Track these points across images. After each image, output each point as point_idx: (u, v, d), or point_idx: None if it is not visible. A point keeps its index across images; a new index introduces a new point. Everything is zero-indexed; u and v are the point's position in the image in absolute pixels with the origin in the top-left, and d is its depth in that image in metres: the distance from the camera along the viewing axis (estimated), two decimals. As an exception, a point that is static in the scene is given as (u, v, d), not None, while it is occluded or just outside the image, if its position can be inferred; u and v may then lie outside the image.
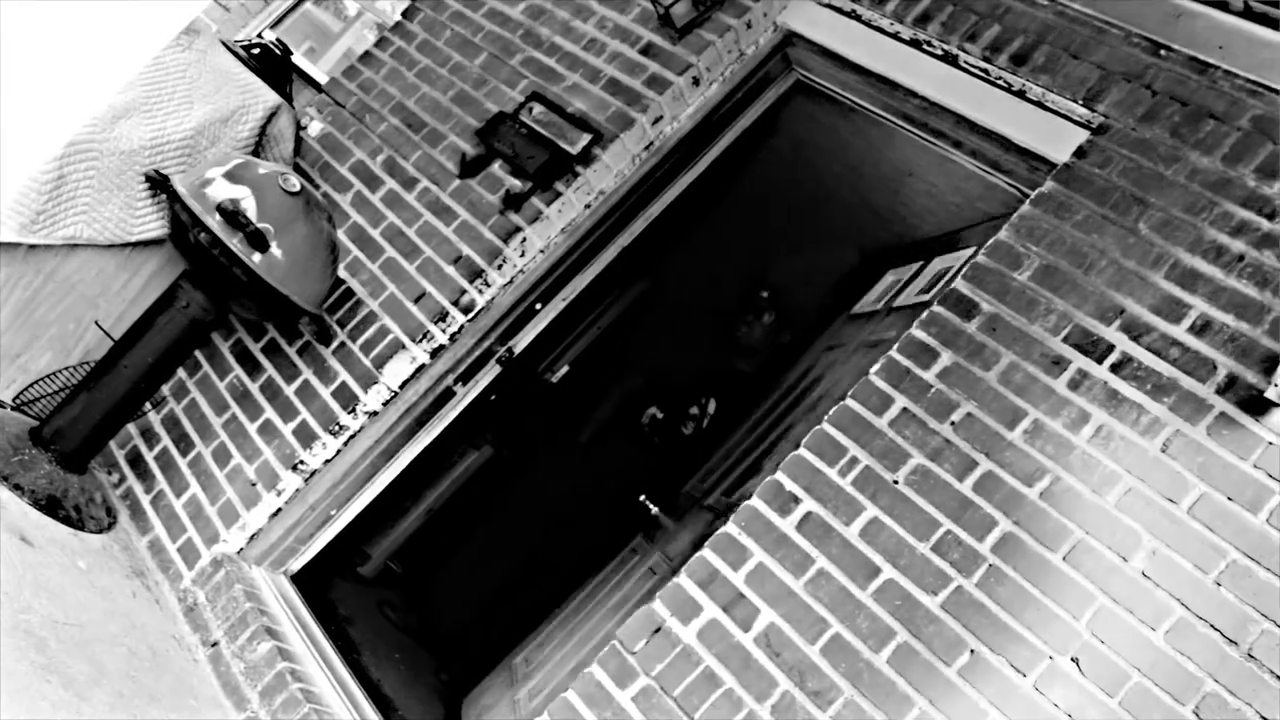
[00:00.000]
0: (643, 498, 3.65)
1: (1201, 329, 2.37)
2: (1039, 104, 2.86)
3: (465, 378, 3.37)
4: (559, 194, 3.26)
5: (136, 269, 3.27)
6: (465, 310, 3.21)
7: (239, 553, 3.14)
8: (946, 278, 3.52)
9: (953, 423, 2.45)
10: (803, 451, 2.54)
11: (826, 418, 2.57)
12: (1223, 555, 2.15)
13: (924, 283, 3.83)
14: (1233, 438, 2.24)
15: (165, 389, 3.42)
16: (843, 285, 4.90)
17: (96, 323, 3.22)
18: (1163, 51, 2.74)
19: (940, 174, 4.19)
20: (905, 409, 2.51)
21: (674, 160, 3.44)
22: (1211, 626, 2.10)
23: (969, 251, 3.62)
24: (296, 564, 3.36)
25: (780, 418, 4.01)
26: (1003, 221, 3.51)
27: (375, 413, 3.19)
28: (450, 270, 3.25)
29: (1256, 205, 2.46)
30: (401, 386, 3.21)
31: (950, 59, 3.02)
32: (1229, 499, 2.19)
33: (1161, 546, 2.19)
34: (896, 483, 2.43)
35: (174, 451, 3.31)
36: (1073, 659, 2.15)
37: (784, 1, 3.37)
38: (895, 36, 3.14)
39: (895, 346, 2.60)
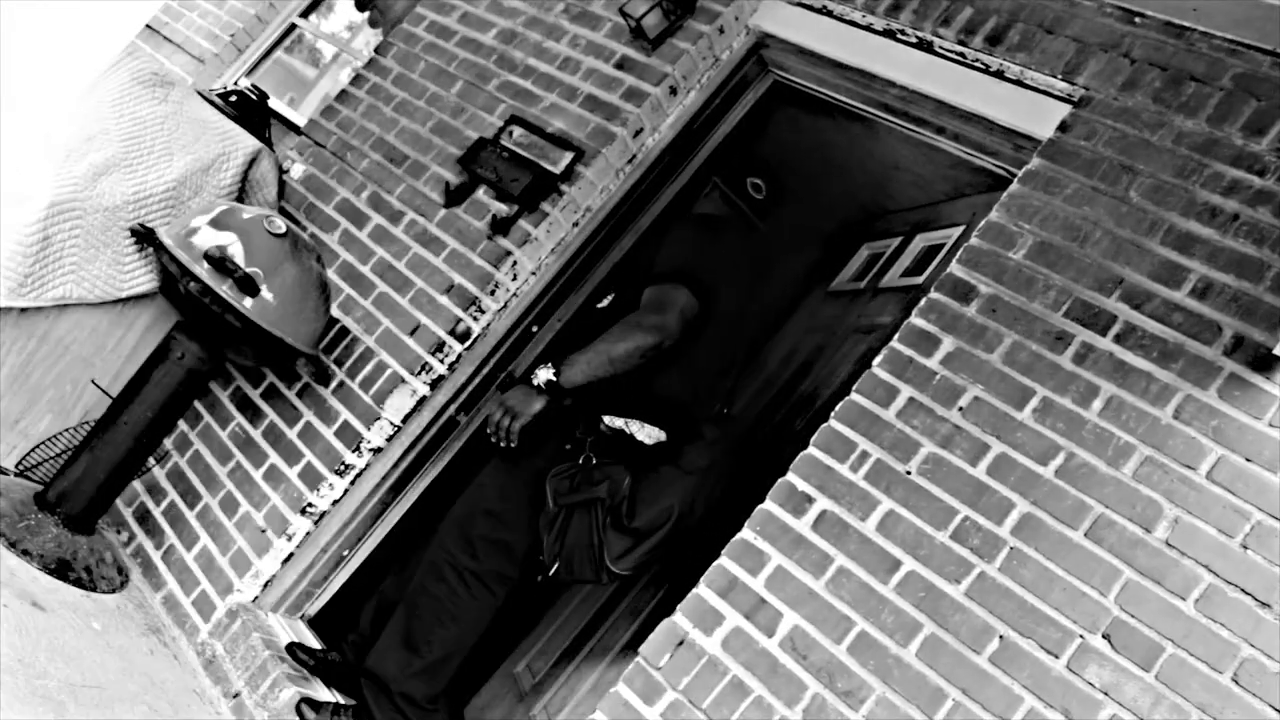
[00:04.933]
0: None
1: (1203, 291, 2.34)
2: (1018, 82, 2.85)
3: (467, 406, 3.35)
4: (546, 214, 3.24)
5: (129, 325, 3.25)
6: (461, 339, 3.20)
7: (254, 601, 3.11)
8: (938, 260, 3.47)
9: (961, 408, 2.43)
10: (812, 450, 2.51)
11: (833, 414, 2.55)
12: (1246, 518, 2.12)
13: (909, 262, 3.77)
14: (1245, 398, 2.21)
15: (168, 443, 3.40)
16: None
17: (94, 381, 3.21)
18: (1137, 19, 2.73)
19: (927, 164, 4.18)
20: (912, 398, 2.48)
21: (658, 171, 3.43)
22: (1242, 591, 2.07)
23: (954, 230, 3.57)
24: (313, 608, 3.32)
25: (777, 410, 3.90)
26: (980, 195, 3.49)
27: (380, 449, 3.17)
28: (443, 300, 3.23)
29: (1246, 163, 2.44)
30: (404, 420, 3.19)
31: (925, 45, 3.01)
32: (1247, 460, 2.16)
33: (1183, 514, 2.16)
34: (909, 473, 2.40)
35: (181, 505, 3.29)
36: (1104, 636, 2.11)
37: (755, 4, 3.37)
38: (868, 28, 3.14)
39: (896, 336, 2.58)
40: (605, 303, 3.07)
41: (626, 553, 2.80)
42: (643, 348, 2.73)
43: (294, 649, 2.88)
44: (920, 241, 3.79)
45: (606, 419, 2.90)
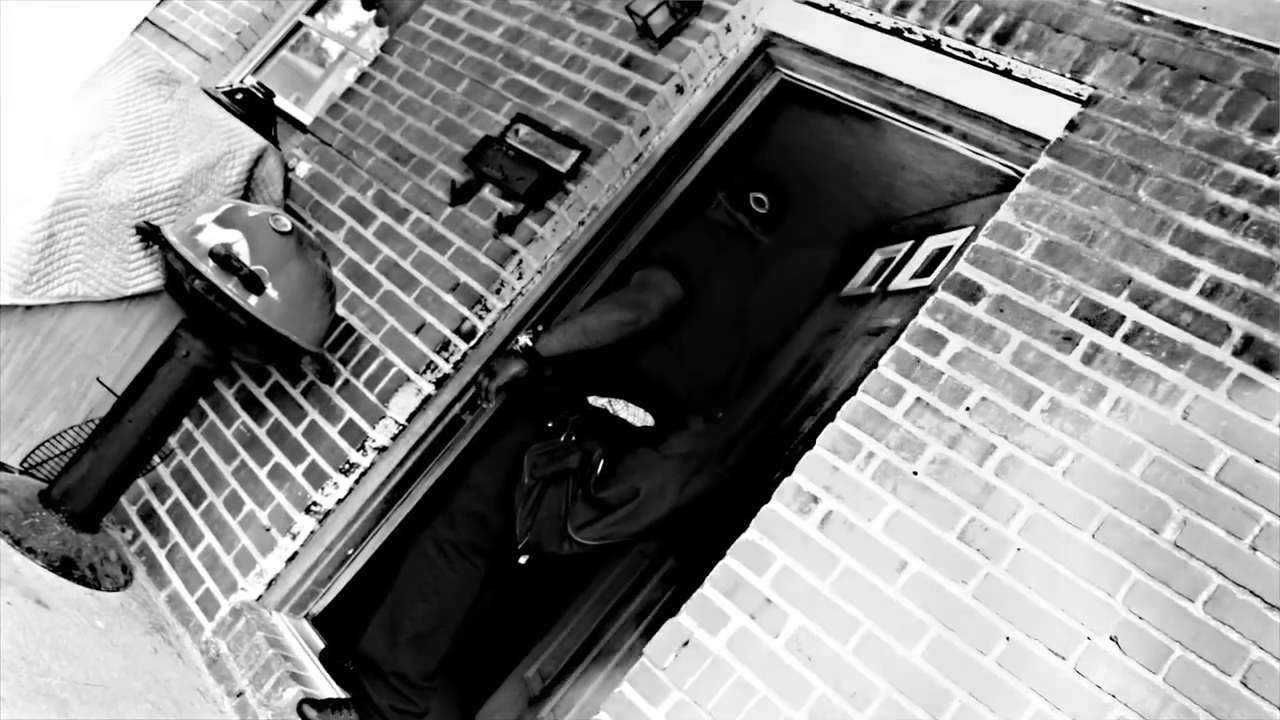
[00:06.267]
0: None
1: (1212, 291, 2.33)
2: (1026, 81, 2.83)
3: (472, 405, 3.34)
4: (552, 213, 3.24)
5: (135, 323, 3.25)
6: (467, 337, 3.19)
7: (258, 600, 3.11)
8: (946, 260, 3.45)
9: (968, 408, 2.41)
10: (818, 450, 2.50)
11: (840, 414, 2.53)
12: (1256, 519, 2.11)
13: (919, 265, 3.74)
14: (1254, 399, 2.20)
15: (173, 441, 3.39)
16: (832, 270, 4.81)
17: (99, 379, 3.20)
18: (1146, 17, 2.71)
19: (933, 163, 4.17)
20: (919, 398, 2.47)
21: (664, 170, 3.42)
22: (1251, 593, 2.05)
23: (964, 231, 3.55)
24: (317, 607, 3.32)
25: (784, 414, 3.88)
26: (989, 197, 3.46)
27: (384, 448, 3.16)
28: (449, 298, 3.23)
29: (1256, 163, 2.42)
30: (409, 419, 3.18)
31: (933, 44, 3.00)
32: (1256, 461, 2.15)
33: (1192, 515, 2.15)
34: (916, 473, 2.38)
35: (186, 503, 3.28)
36: (1111, 637, 2.10)
37: (761, 2, 3.36)
38: (876, 27, 3.13)
39: (903, 336, 2.57)
40: None
41: (590, 523, 2.83)
42: (620, 322, 2.83)
43: (302, 709, 2.79)
44: (930, 244, 3.76)
45: (590, 399, 2.94)
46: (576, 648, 3.64)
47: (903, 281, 3.72)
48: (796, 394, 3.95)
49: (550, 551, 2.89)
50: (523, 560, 2.90)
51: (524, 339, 2.88)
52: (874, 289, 3.98)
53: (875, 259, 4.29)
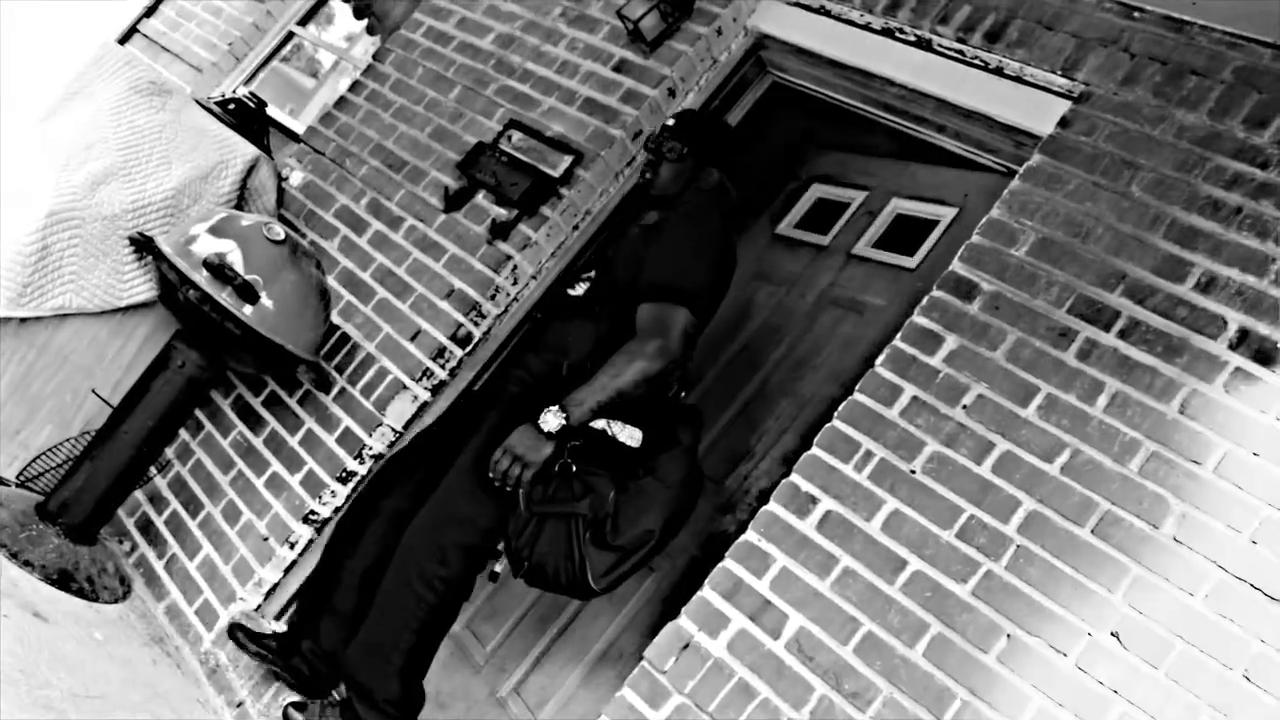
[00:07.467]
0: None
1: (1206, 286, 2.33)
2: (1018, 79, 2.83)
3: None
4: (546, 218, 3.24)
5: (129, 334, 3.24)
6: (462, 344, 3.19)
7: (257, 609, 3.10)
8: (931, 244, 3.33)
9: (965, 406, 2.41)
10: (816, 450, 2.50)
11: (836, 414, 2.53)
12: (1255, 513, 2.10)
13: (881, 230, 3.52)
14: (1251, 392, 2.19)
15: (169, 452, 3.39)
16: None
17: (94, 391, 3.20)
18: (1136, 13, 2.72)
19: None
20: (915, 397, 2.47)
21: (658, 174, 3.41)
22: (1252, 586, 2.05)
23: (945, 210, 3.36)
24: (317, 616, 3.31)
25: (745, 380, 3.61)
26: (971, 172, 3.39)
27: (382, 455, 3.16)
28: (444, 305, 3.23)
29: (1249, 156, 2.42)
30: (405, 427, 3.18)
31: (924, 44, 3.00)
32: (1254, 454, 2.14)
33: (1191, 510, 2.14)
34: (914, 472, 2.38)
35: (183, 514, 3.28)
36: (1113, 633, 2.09)
37: (752, 5, 3.37)
38: (867, 28, 3.13)
39: (899, 335, 2.57)
40: (580, 290, 2.97)
41: (610, 570, 2.74)
42: (649, 375, 2.67)
43: (235, 631, 2.78)
44: (894, 207, 3.56)
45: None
46: (521, 613, 3.42)
47: (865, 247, 3.45)
48: (754, 354, 3.64)
49: (554, 591, 2.82)
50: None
51: (556, 420, 2.64)
52: (828, 242, 3.70)
53: (814, 196, 3.91)
